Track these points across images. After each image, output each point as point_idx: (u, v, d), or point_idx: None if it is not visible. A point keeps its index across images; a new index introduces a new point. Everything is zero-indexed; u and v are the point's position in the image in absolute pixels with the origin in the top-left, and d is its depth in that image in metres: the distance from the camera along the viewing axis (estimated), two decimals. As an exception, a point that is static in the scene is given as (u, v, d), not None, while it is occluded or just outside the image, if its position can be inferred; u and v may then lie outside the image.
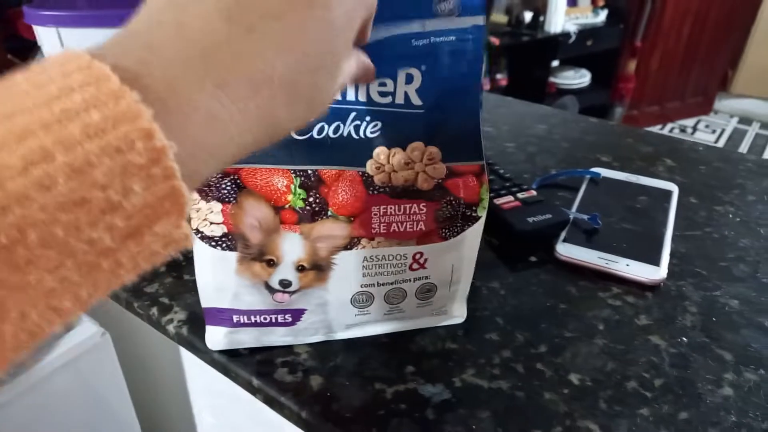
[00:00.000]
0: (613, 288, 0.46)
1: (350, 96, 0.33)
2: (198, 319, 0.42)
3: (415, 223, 0.37)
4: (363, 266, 0.38)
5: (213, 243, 0.35)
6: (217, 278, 0.36)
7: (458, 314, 0.42)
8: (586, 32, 2.45)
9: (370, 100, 0.34)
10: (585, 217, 0.51)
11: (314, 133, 0.34)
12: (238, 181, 0.34)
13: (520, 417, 0.35)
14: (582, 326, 0.42)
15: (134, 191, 0.15)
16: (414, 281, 0.39)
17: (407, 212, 0.37)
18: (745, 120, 3.08)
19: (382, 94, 0.34)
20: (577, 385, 0.38)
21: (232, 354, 0.39)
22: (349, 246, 0.37)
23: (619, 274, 0.46)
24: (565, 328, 0.42)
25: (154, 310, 0.43)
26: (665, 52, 2.74)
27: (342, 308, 0.39)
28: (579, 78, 2.64)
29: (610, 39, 2.56)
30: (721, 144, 2.82)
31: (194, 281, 0.45)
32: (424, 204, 0.37)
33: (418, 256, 0.38)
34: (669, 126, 3.01)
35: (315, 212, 0.35)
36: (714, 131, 2.95)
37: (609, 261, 0.47)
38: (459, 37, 0.33)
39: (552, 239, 0.50)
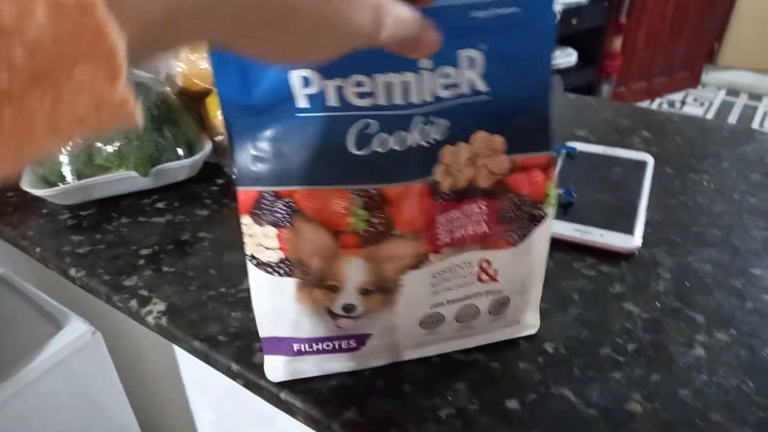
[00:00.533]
0: (588, 258, 0.46)
1: (414, 98, 0.30)
2: (178, 309, 0.42)
3: (476, 225, 0.34)
4: (431, 283, 0.35)
5: (270, 269, 0.33)
6: (276, 305, 0.34)
7: (531, 323, 0.39)
8: (570, 11, 2.44)
9: (435, 98, 0.30)
10: (560, 191, 0.52)
11: (375, 146, 0.30)
12: (292, 204, 0.31)
13: (495, 387, 0.36)
14: (557, 297, 0.43)
15: (35, 16, 0.12)
16: (486, 295, 0.37)
17: (466, 213, 0.34)
18: (733, 92, 3.09)
19: (446, 86, 0.30)
20: (551, 354, 0.38)
21: (212, 343, 0.40)
22: (417, 264, 0.34)
23: (593, 244, 0.47)
24: (541, 300, 0.42)
25: (134, 303, 0.43)
26: (650, 28, 2.74)
27: (410, 330, 0.36)
28: (565, 57, 2.64)
29: (594, 17, 2.56)
30: (709, 116, 2.83)
31: (174, 272, 0.46)
32: (484, 203, 0.34)
33: (485, 265, 0.36)
34: (657, 101, 3.01)
35: (380, 233, 0.32)
36: (702, 104, 2.96)
37: (584, 232, 0.47)
38: (526, 7, 0.29)
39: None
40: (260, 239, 0.32)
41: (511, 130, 0.32)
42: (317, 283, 0.33)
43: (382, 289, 0.34)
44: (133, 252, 0.48)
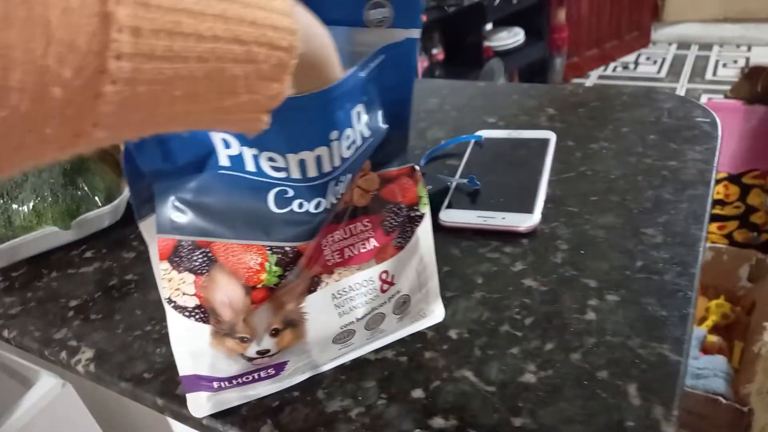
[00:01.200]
0: (492, 242, 0.48)
1: (326, 167, 0.31)
2: (105, 354, 0.44)
3: (366, 242, 0.36)
4: (335, 304, 0.36)
5: (186, 313, 0.33)
6: (193, 348, 0.34)
7: (437, 313, 0.42)
8: (509, -9, 2.47)
9: (342, 160, 0.31)
10: (464, 180, 0.54)
11: (294, 207, 0.32)
12: (210, 254, 0.32)
13: (403, 379, 0.38)
14: (462, 284, 0.45)
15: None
16: (389, 301, 0.39)
17: (354, 233, 0.36)
18: (684, 45, 3.13)
19: (349, 147, 0.31)
20: (455, 340, 0.40)
21: (138, 382, 0.42)
22: (312, 288, 0.35)
23: (496, 227, 0.49)
24: (447, 289, 0.45)
25: (64, 354, 0.45)
26: (591, -6, 2.78)
27: (325, 349, 0.38)
28: (513, 37, 2.67)
29: (533, -7, 2.59)
30: (663, 73, 2.87)
31: (101, 319, 0.48)
32: (367, 220, 0.36)
33: (384, 276, 0.37)
34: (612, 66, 3.05)
35: (288, 282, 0.34)
36: (655, 62, 3.00)
37: (486, 218, 0.50)
38: (392, 54, 0.31)
39: (436, 208, 0.52)
40: (178, 284, 0.33)
41: (379, 152, 0.35)
42: (229, 333, 0.34)
43: (289, 324, 0.36)
44: (63, 305, 0.50)
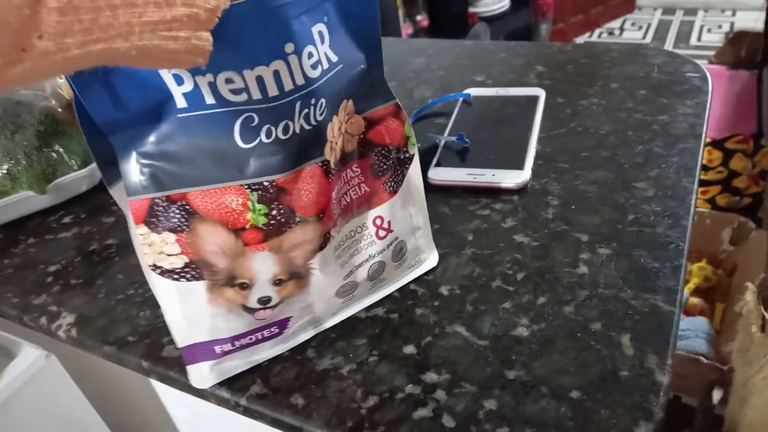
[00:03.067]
0: (482, 199, 0.48)
1: (287, 84, 0.30)
2: (87, 318, 0.43)
3: (357, 188, 0.36)
4: (336, 256, 0.36)
5: (176, 276, 0.32)
6: (188, 312, 0.33)
7: (431, 258, 0.42)
8: (493, -45, 2.42)
9: (307, 79, 0.30)
10: (453, 138, 0.53)
11: (262, 138, 0.30)
12: (187, 207, 0.31)
13: (394, 336, 0.38)
14: (452, 241, 0.44)
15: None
16: (387, 248, 0.38)
17: (345, 179, 0.35)
18: (669, 10, 3.12)
19: (313, 66, 0.30)
20: (446, 296, 0.40)
21: (121, 345, 0.41)
22: (323, 245, 0.34)
23: (486, 185, 0.48)
24: (438, 246, 0.44)
25: (44, 320, 0.44)
26: (576, -41, 2.73)
27: (328, 303, 0.37)
28: (498, 3, 2.62)
29: (518, -42, 2.54)
30: (649, 39, 2.86)
31: (82, 284, 0.46)
32: (356, 165, 0.35)
33: (379, 222, 0.37)
34: (597, 32, 3.03)
35: (282, 224, 0.32)
36: (640, 27, 2.99)
37: (476, 175, 0.49)
38: None
39: (425, 166, 0.51)
40: (160, 247, 0.31)
41: (358, 92, 0.34)
42: (227, 283, 0.33)
43: (294, 276, 0.34)
44: (42, 271, 0.48)
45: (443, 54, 0.73)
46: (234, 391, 0.36)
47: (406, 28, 2.35)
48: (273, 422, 0.35)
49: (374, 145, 0.36)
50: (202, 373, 0.36)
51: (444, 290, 0.40)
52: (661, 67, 0.61)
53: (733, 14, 2.92)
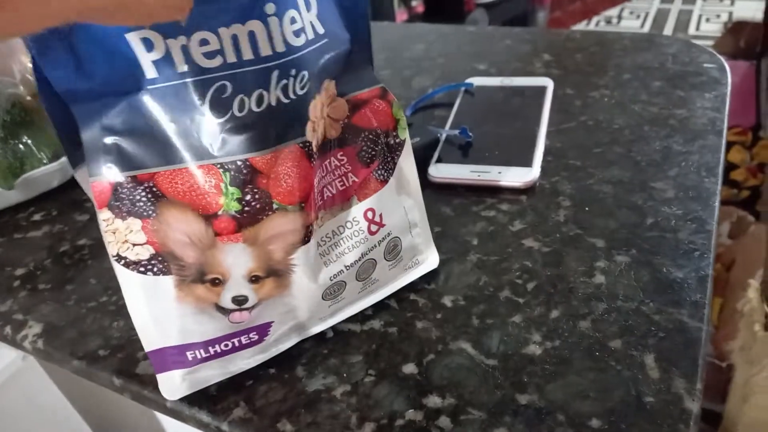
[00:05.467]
0: (487, 199, 0.44)
1: (265, 50, 0.28)
2: (55, 329, 0.39)
3: (344, 178, 0.33)
4: (319, 253, 0.32)
5: (141, 269, 0.29)
6: (155, 311, 0.30)
7: (431, 259, 0.38)
8: (490, -59, 2.37)
9: (288, 47, 0.28)
10: (455, 132, 0.49)
11: (234, 111, 0.28)
12: (155, 188, 0.28)
13: (393, 353, 0.34)
14: (455, 246, 0.41)
15: None
16: (379, 245, 0.35)
17: (329, 169, 0.32)
18: (667, -1, 3.07)
19: (296, 34, 0.28)
20: (449, 308, 0.36)
21: (92, 360, 0.37)
22: (306, 239, 0.31)
23: (492, 183, 0.44)
24: (439, 252, 0.40)
25: (8, 329, 0.40)
26: (574, -55, 2.68)
27: (314, 307, 0.34)
28: (496, -11, 2.58)
29: (516, -56, 2.49)
30: (647, 27, 2.82)
31: (50, 289, 0.42)
32: (341, 153, 0.32)
33: (370, 215, 0.34)
34: (595, 20, 2.99)
35: (257, 211, 0.29)
36: (639, 16, 2.95)
37: (481, 173, 0.45)
38: None
39: (425, 162, 0.47)
40: (125, 235, 0.28)
41: (343, 75, 0.31)
42: (198, 278, 0.29)
43: (273, 273, 0.31)
44: (8, 274, 0.44)
45: (444, 40, 0.69)
46: (215, 414, 0.32)
47: (401, 14, 2.30)
48: (258, 451, 0.31)
49: (360, 130, 0.32)
50: (173, 383, 0.32)
51: (447, 301, 0.37)
52: (676, 56, 0.57)
53: (732, 3, 2.88)
